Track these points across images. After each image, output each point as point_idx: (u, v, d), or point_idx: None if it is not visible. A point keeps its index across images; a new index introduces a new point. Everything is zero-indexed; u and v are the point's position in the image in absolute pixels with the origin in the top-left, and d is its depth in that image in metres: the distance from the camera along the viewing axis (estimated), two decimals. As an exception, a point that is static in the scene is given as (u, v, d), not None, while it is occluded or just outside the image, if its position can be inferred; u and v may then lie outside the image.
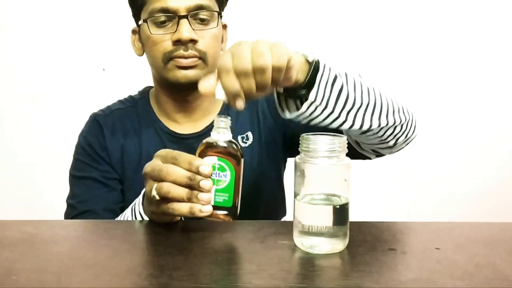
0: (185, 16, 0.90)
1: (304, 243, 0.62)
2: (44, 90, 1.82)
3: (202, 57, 0.92)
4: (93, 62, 1.80)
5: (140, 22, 0.95)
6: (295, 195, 0.63)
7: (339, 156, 0.61)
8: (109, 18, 1.78)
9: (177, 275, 0.55)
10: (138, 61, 1.77)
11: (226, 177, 0.67)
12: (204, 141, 0.69)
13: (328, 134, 0.63)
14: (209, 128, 0.69)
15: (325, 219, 0.61)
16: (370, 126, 0.76)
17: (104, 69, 1.81)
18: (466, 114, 1.90)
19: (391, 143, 0.85)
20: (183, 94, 0.97)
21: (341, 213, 0.61)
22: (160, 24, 0.92)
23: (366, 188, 1.82)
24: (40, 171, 1.84)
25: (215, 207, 0.67)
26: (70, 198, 0.97)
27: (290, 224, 0.65)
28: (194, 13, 0.91)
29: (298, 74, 0.68)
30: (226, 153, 0.68)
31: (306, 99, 0.69)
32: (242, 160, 0.69)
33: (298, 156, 0.63)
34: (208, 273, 0.55)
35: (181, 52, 0.90)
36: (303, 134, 0.63)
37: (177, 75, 0.92)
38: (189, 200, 0.66)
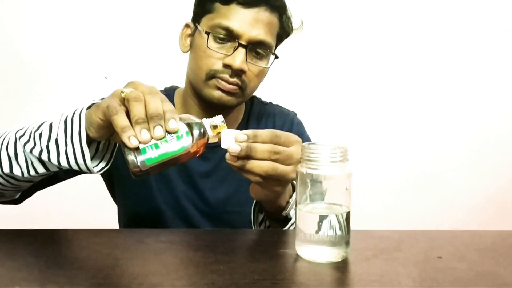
0: (245, 46, 0.91)
1: (306, 252, 0.62)
2: (47, 98, 1.82)
3: (243, 88, 0.93)
4: (96, 70, 1.81)
5: (199, 28, 0.95)
6: (297, 204, 0.63)
7: (341, 165, 0.61)
8: (112, 26, 1.79)
9: (179, 285, 0.55)
10: (140, 69, 1.78)
11: (172, 147, 0.65)
12: (194, 117, 0.69)
13: (330, 144, 0.63)
14: None
15: (327, 228, 0.61)
16: None
17: (106, 77, 1.82)
18: (468, 122, 1.90)
19: None
20: (211, 108, 0.97)
21: (342, 221, 0.61)
22: (218, 39, 0.92)
23: (368, 196, 1.82)
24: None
25: (138, 152, 0.64)
26: None
27: (292, 233, 0.65)
28: (253, 47, 0.92)
29: (281, 200, 0.77)
30: (196, 138, 0.67)
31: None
32: (193, 156, 0.68)
33: (299, 165, 0.63)
34: (210, 282, 0.55)
35: (227, 76, 0.91)
36: (304, 144, 0.63)
37: (214, 94, 0.93)
38: (135, 124, 0.64)
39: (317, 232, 0.61)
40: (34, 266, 0.61)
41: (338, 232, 0.61)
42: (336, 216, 0.61)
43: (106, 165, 0.75)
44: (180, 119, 0.67)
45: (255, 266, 0.61)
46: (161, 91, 1.05)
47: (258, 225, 0.84)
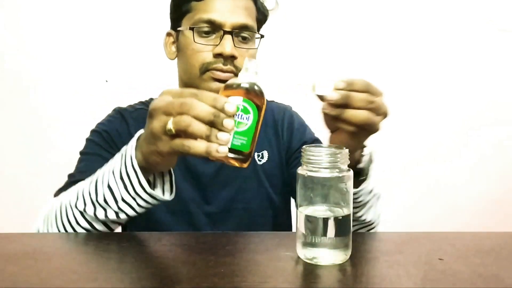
0: (230, 32, 0.92)
1: (306, 254, 0.62)
2: (48, 102, 1.83)
3: (237, 73, 0.93)
4: (96, 73, 1.81)
5: (182, 28, 0.97)
6: (298, 206, 0.63)
7: (341, 167, 0.61)
8: (112, 30, 1.79)
9: (180, 287, 0.55)
10: (141, 72, 1.79)
11: (248, 120, 0.64)
12: (230, 81, 0.66)
13: (330, 146, 0.63)
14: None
15: (327, 230, 0.61)
16: (365, 219, 0.84)
17: (107, 81, 1.82)
18: (469, 124, 1.90)
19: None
20: None
21: (343, 224, 0.61)
22: (203, 34, 0.94)
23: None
24: (43, 182, 1.84)
25: (230, 150, 0.63)
26: (72, 172, 0.96)
27: (293, 236, 0.65)
28: (237, 32, 0.93)
29: (356, 154, 0.76)
30: (252, 95, 0.64)
31: (356, 186, 0.76)
32: (265, 105, 0.66)
33: (300, 168, 0.63)
34: (211, 285, 0.55)
35: (220, 65, 0.92)
36: (304, 146, 0.63)
37: (212, 86, 0.93)
38: (207, 138, 0.62)
39: (318, 234, 0.61)
40: (35, 270, 0.61)
41: (339, 234, 0.61)
42: (337, 218, 0.61)
43: (171, 183, 0.76)
44: (228, 93, 0.65)
45: (256, 269, 0.61)
46: (154, 99, 1.06)
47: None
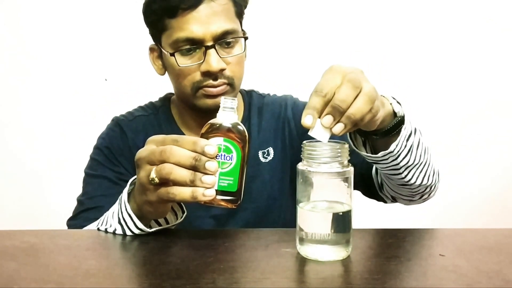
0: (213, 46, 0.88)
1: (307, 250, 0.62)
2: (48, 100, 1.82)
3: (230, 83, 0.92)
4: (96, 73, 1.81)
5: (163, 50, 0.93)
6: (298, 202, 0.63)
7: (342, 163, 0.61)
8: (111, 28, 1.79)
9: (179, 284, 0.54)
10: (140, 71, 1.78)
11: (231, 160, 0.64)
12: (209, 122, 0.66)
13: (330, 141, 0.63)
14: None
15: (328, 226, 0.60)
16: (415, 182, 0.82)
17: (106, 79, 1.82)
18: (468, 122, 1.89)
19: (416, 197, 0.91)
20: (209, 112, 0.92)
21: (344, 220, 0.61)
22: (185, 52, 0.90)
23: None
24: (43, 180, 1.84)
25: (218, 192, 0.64)
26: (81, 196, 0.96)
27: (293, 232, 0.64)
28: (220, 41, 0.89)
29: (381, 120, 0.71)
30: (233, 134, 0.65)
31: (386, 148, 0.74)
32: (249, 146, 0.66)
33: (300, 163, 0.62)
34: (210, 281, 0.55)
35: (210, 82, 0.90)
36: (305, 141, 0.62)
37: (207, 102, 0.92)
38: (192, 183, 0.63)
39: (318, 230, 0.61)
40: (34, 266, 0.61)
41: (340, 231, 0.61)
42: (337, 214, 0.61)
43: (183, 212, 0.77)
44: (209, 135, 0.65)
45: (256, 265, 0.60)
46: (156, 101, 1.07)
47: (363, 147, 0.79)
